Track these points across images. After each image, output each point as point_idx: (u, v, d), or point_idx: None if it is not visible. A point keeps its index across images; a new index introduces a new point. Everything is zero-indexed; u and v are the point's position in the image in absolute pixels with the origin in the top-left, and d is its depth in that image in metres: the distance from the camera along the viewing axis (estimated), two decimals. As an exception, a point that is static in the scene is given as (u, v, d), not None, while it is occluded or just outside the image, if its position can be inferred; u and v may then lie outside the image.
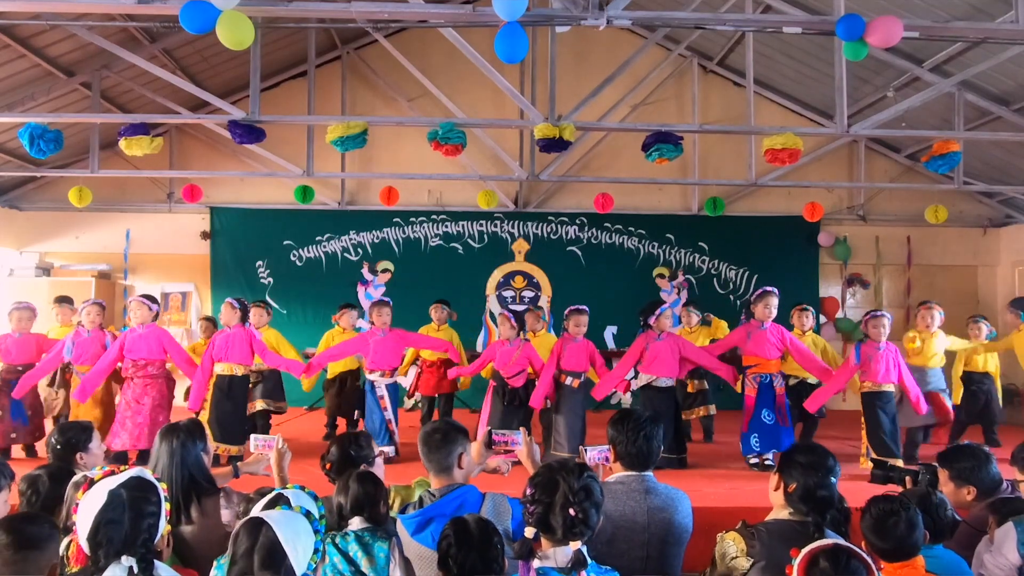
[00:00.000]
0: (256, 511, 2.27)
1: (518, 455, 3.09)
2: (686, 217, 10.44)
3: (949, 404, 6.71)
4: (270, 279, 10.24)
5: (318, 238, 10.32)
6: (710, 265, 10.47)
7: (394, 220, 10.33)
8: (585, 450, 3.05)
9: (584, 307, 6.58)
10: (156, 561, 1.90)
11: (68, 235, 10.19)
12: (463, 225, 10.42)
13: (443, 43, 7.12)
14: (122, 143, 6.60)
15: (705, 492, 5.31)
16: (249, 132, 6.59)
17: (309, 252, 10.34)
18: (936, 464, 3.24)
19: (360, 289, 10.28)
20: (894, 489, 3.11)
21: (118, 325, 8.87)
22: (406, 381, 7.46)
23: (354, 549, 2.47)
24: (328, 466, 3.08)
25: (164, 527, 1.96)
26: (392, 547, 2.50)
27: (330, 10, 5.24)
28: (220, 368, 6.30)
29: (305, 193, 8.91)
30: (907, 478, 3.34)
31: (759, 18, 6.95)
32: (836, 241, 10.38)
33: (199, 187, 8.86)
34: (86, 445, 3.39)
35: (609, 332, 10.05)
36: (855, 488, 3.85)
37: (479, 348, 9.75)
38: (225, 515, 2.94)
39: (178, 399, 6.71)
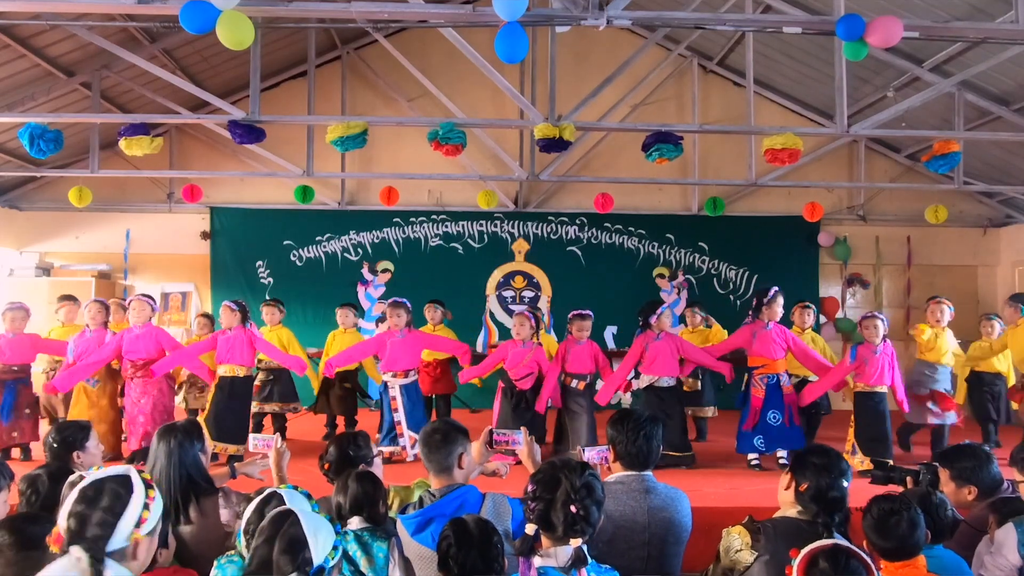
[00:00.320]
0: (250, 510, 2.28)
1: (519, 455, 3.10)
2: (686, 217, 10.44)
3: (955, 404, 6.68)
4: (270, 279, 10.24)
5: (318, 238, 10.32)
6: (710, 265, 10.47)
7: (394, 220, 10.33)
8: (583, 450, 3.06)
9: (588, 312, 6.57)
10: (111, 561, 1.87)
11: (68, 235, 10.19)
12: (463, 225, 10.41)
13: (443, 43, 7.12)
14: (122, 143, 6.60)
15: (705, 492, 5.31)
16: (249, 132, 6.59)
17: (309, 252, 10.34)
18: (937, 464, 3.24)
19: (360, 289, 10.28)
20: (894, 489, 3.11)
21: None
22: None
23: (353, 549, 2.46)
24: (327, 466, 3.08)
25: (130, 531, 1.90)
26: (391, 547, 2.49)
27: (330, 10, 5.24)
28: (222, 370, 6.34)
29: (305, 193, 8.91)
30: (908, 478, 3.34)
31: (759, 18, 6.95)
32: (836, 241, 10.38)
33: (199, 187, 8.85)
34: (83, 444, 3.39)
35: (609, 332, 10.04)
36: (855, 488, 3.82)
37: (479, 348, 9.76)
38: (224, 515, 2.94)
39: (177, 399, 6.73)
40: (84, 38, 6.52)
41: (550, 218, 10.44)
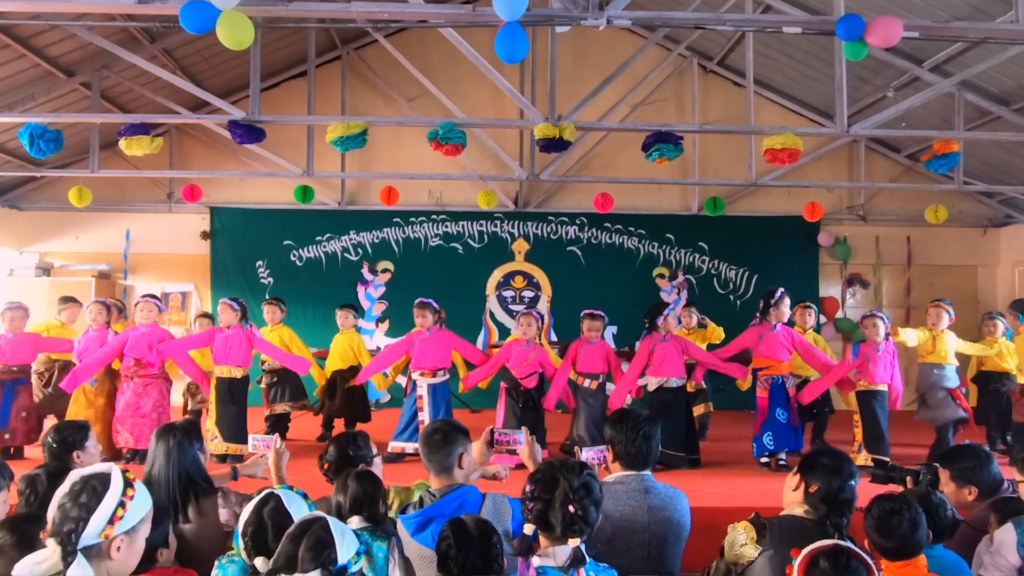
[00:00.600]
0: (247, 511, 2.28)
1: (520, 454, 3.10)
2: (686, 217, 10.44)
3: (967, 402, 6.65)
4: (270, 279, 10.24)
5: (318, 238, 10.32)
6: (710, 265, 10.47)
7: (394, 220, 10.33)
8: (581, 451, 3.06)
9: (599, 312, 6.55)
10: (81, 556, 1.88)
11: (68, 235, 10.19)
12: (463, 225, 10.41)
13: (443, 43, 7.12)
14: (122, 143, 6.61)
15: (705, 492, 5.31)
16: (249, 132, 6.59)
17: (309, 252, 10.34)
18: (937, 464, 3.24)
19: (360, 289, 10.29)
20: (895, 489, 3.11)
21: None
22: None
23: (353, 549, 2.46)
24: (326, 466, 3.07)
25: (102, 527, 1.91)
26: (391, 547, 2.49)
27: (330, 10, 5.24)
28: (219, 371, 6.32)
29: (305, 193, 8.91)
30: (908, 478, 3.34)
31: (759, 18, 6.95)
32: (836, 241, 10.38)
33: (199, 187, 8.85)
34: (83, 444, 3.39)
35: (609, 332, 10.03)
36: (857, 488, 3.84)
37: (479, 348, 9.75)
38: (223, 515, 2.94)
39: (176, 399, 6.72)
40: (84, 38, 6.52)
41: (550, 218, 10.44)
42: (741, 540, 2.55)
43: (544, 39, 7.65)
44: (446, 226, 10.40)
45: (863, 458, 5.95)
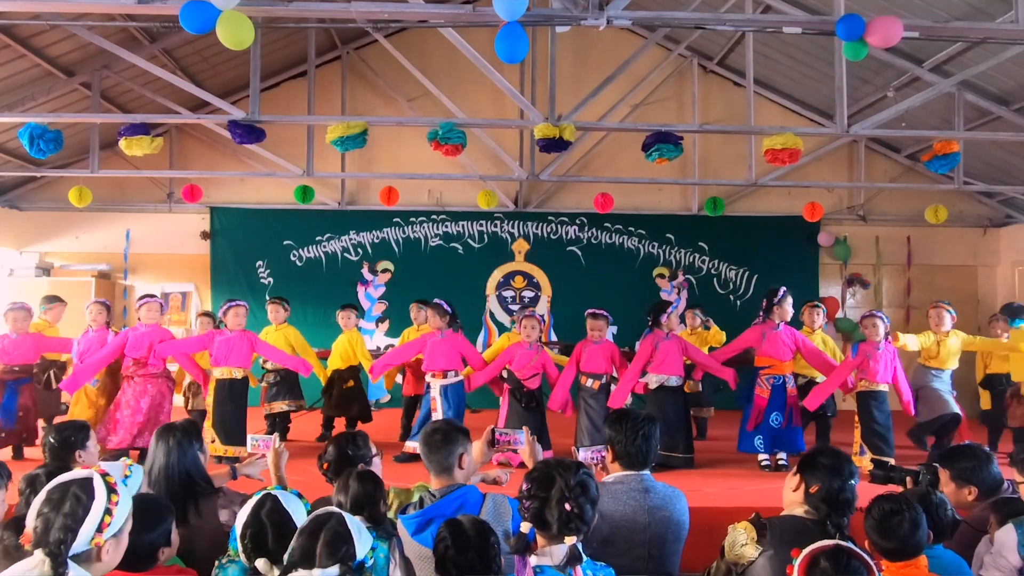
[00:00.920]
0: (246, 510, 2.28)
1: (520, 454, 3.10)
2: (686, 217, 10.43)
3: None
4: (270, 279, 10.24)
5: (318, 238, 10.32)
6: (710, 265, 10.47)
7: (394, 220, 10.33)
8: (578, 451, 3.06)
9: (603, 312, 6.52)
10: (72, 564, 1.88)
11: (68, 235, 10.19)
12: (463, 225, 10.41)
13: (443, 43, 7.12)
14: (122, 143, 6.60)
15: (705, 492, 5.31)
16: (249, 132, 6.58)
17: (309, 252, 10.34)
18: (937, 464, 3.24)
19: (360, 289, 10.29)
20: (894, 489, 3.11)
21: (118, 325, 8.86)
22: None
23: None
24: (325, 466, 3.07)
25: (91, 536, 1.93)
26: (392, 547, 2.49)
27: (330, 10, 5.23)
28: (219, 372, 6.31)
29: (305, 193, 8.91)
30: (908, 478, 3.34)
31: (759, 18, 6.95)
32: (836, 241, 10.38)
33: (199, 187, 8.85)
34: (84, 443, 3.40)
35: (609, 332, 10.02)
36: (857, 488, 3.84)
37: (479, 349, 9.73)
38: (223, 515, 2.94)
39: (176, 399, 6.72)
40: (84, 38, 6.51)
41: (550, 218, 10.44)
42: (741, 540, 2.55)
43: (544, 39, 7.65)
44: (446, 226, 10.40)
45: (866, 460, 5.92)
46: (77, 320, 7.17)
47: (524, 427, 3.16)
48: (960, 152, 6.96)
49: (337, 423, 7.51)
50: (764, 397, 6.22)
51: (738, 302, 10.33)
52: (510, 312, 10.19)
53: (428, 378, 6.44)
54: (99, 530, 1.95)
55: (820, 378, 6.64)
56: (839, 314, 10.38)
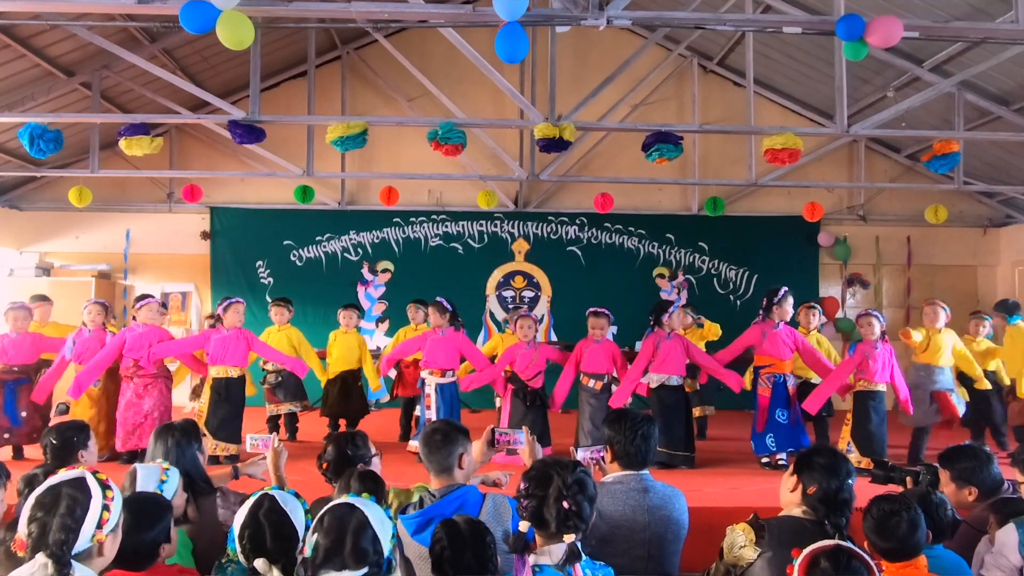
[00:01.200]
0: (243, 511, 2.28)
1: (520, 454, 3.10)
2: (686, 217, 10.43)
3: (956, 403, 6.59)
4: (270, 279, 10.24)
5: (318, 238, 10.32)
6: (710, 265, 10.47)
7: (394, 220, 10.33)
8: (576, 451, 3.06)
9: (604, 310, 6.51)
10: (76, 563, 1.90)
11: (68, 235, 10.19)
12: (463, 225, 10.41)
13: (443, 43, 7.11)
14: (122, 143, 6.60)
15: (705, 492, 5.31)
16: (249, 132, 6.59)
17: (309, 252, 10.34)
18: (937, 464, 3.24)
19: (360, 289, 10.29)
20: (894, 489, 3.11)
21: (119, 325, 8.85)
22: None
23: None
24: (325, 466, 3.07)
25: (92, 533, 1.95)
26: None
27: (330, 10, 5.24)
28: (215, 371, 6.31)
29: (305, 193, 8.91)
30: (907, 478, 3.34)
31: (759, 18, 6.95)
32: (836, 241, 10.38)
33: (199, 187, 8.85)
34: (85, 443, 3.40)
35: (609, 332, 10.02)
36: (855, 488, 3.84)
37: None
38: (222, 515, 2.94)
39: (177, 399, 6.72)
40: (84, 38, 6.51)
41: (550, 218, 10.44)
42: (740, 542, 2.54)
43: (544, 39, 7.65)
44: (446, 226, 10.40)
45: (854, 459, 5.91)
46: (77, 320, 7.15)
47: (524, 427, 3.16)
48: (960, 152, 6.96)
49: (342, 423, 7.53)
50: (766, 396, 6.23)
51: (738, 302, 10.33)
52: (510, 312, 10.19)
53: (425, 375, 6.43)
54: (99, 526, 1.98)
55: (815, 379, 6.62)
56: (839, 314, 10.38)
